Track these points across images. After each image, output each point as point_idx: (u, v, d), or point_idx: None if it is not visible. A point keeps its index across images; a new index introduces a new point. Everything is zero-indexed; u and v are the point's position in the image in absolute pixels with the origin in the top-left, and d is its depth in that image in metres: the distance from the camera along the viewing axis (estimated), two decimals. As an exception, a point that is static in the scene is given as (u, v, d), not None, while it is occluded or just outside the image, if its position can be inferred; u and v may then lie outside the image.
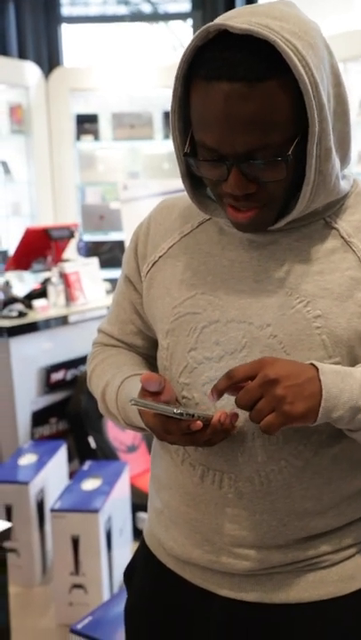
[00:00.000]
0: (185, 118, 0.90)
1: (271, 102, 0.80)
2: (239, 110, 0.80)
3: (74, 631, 1.78)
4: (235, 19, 0.81)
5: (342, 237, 0.94)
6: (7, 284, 3.33)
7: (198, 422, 0.84)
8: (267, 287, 0.94)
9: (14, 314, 3.13)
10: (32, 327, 3.17)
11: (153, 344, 1.12)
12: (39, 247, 3.72)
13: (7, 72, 5.22)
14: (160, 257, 1.06)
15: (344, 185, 0.94)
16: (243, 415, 0.90)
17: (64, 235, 3.85)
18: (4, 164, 5.23)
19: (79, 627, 1.79)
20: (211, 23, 0.82)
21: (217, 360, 0.95)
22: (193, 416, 0.84)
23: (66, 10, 6.20)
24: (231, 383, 0.84)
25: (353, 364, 0.91)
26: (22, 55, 5.71)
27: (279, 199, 0.89)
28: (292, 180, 0.88)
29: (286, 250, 0.95)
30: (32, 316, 3.21)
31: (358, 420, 0.85)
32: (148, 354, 1.15)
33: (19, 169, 5.38)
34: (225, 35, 0.81)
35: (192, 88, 0.85)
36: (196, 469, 0.98)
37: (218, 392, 0.85)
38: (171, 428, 0.87)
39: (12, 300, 3.23)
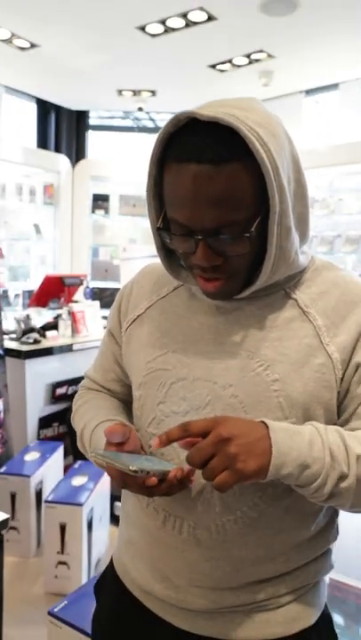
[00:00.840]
0: (159, 197, 0.77)
1: (235, 182, 0.68)
2: (206, 189, 0.68)
3: (50, 613, 1.57)
4: (204, 109, 0.70)
5: (300, 307, 0.79)
6: (27, 317, 3.28)
7: (153, 479, 0.68)
8: (230, 349, 0.78)
9: (30, 340, 3.07)
10: (44, 352, 3.07)
11: (131, 391, 0.94)
12: (55, 290, 3.70)
13: (45, 161, 5.32)
14: (138, 315, 0.90)
15: (303, 260, 0.80)
16: None
17: (75, 282, 3.82)
18: (37, 227, 5.24)
19: (55, 610, 1.58)
20: (181, 112, 0.70)
21: (183, 414, 0.78)
22: (148, 473, 0.67)
23: (93, 120, 6.28)
24: (185, 435, 0.68)
25: None
26: (57, 149, 5.83)
27: (243, 271, 0.75)
28: (255, 255, 0.74)
29: (249, 316, 0.79)
30: (44, 343, 3.12)
31: (305, 476, 0.68)
32: (127, 399, 0.97)
33: (47, 231, 5.39)
34: (194, 122, 0.69)
35: (165, 170, 0.73)
36: (159, 514, 0.81)
37: (168, 440, 0.69)
38: (128, 481, 0.71)
39: (30, 330, 3.16)
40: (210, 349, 0.79)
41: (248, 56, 4.21)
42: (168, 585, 0.82)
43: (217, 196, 0.68)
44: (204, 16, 3.52)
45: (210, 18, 3.55)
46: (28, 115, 5.73)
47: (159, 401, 0.81)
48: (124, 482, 0.71)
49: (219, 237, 0.71)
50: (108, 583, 0.95)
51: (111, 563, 0.97)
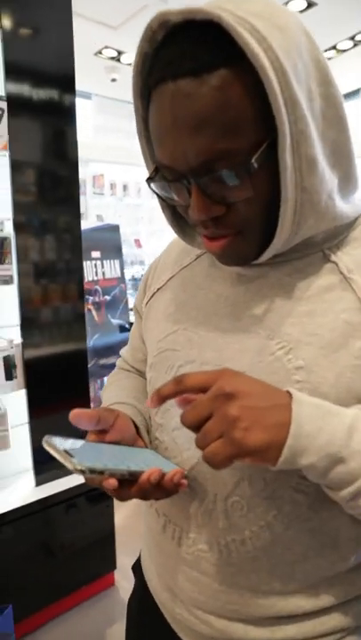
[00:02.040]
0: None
1: (224, 97, 0.41)
2: (186, 110, 0.42)
3: None
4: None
5: (341, 273, 0.50)
6: (152, 297, 3.27)
7: (111, 481, 0.45)
8: (248, 327, 0.52)
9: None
10: None
11: None
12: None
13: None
14: (159, 289, 0.67)
15: (346, 210, 0.49)
16: (205, 472, 0.52)
17: None
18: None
19: None
20: (151, 18, 0.44)
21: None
22: (102, 473, 0.44)
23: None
24: (178, 390, 0.45)
25: None
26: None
27: (256, 224, 0.48)
28: (269, 201, 0.46)
29: (275, 285, 0.52)
30: None
31: (337, 474, 0.42)
32: None
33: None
34: (173, 33, 0.44)
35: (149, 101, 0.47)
36: (159, 517, 0.60)
37: (160, 398, 0.46)
38: (87, 479, 0.47)
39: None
40: (224, 326, 0.55)
41: (352, 38, 3.64)
42: (172, 597, 0.60)
43: (200, 117, 0.42)
44: (304, 3, 3.09)
45: (310, 4, 3.10)
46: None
47: None
48: (85, 478, 0.48)
49: (213, 177, 0.44)
50: (138, 572, 0.73)
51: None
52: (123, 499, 0.48)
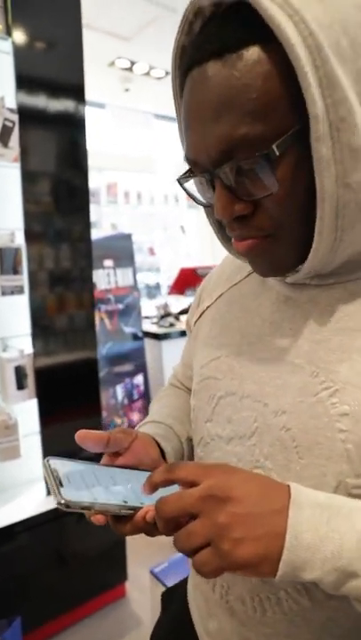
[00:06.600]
0: None
1: (247, 77, 0.36)
2: (207, 95, 0.38)
3: (151, 572, 1.43)
4: None
5: None
6: (166, 304, 3.23)
7: (98, 517, 0.41)
8: (293, 359, 0.45)
9: (167, 324, 3.02)
10: (178, 334, 3.00)
11: None
12: (191, 280, 3.62)
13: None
14: (208, 307, 0.60)
15: None
16: None
17: (206, 272, 3.61)
18: (182, 227, 5.27)
19: (156, 570, 1.42)
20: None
21: (226, 441, 0.50)
22: (89, 509, 0.39)
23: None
24: (167, 480, 0.40)
25: None
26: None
27: (288, 228, 0.41)
28: (308, 204, 0.39)
29: (325, 313, 0.45)
30: (179, 326, 3.04)
31: (354, 589, 0.34)
32: None
33: (191, 230, 5.40)
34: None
35: None
36: None
37: (151, 486, 0.40)
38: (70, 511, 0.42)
39: (167, 315, 3.13)
40: (267, 356, 0.48)
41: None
42: (212, 636, 0.55)
43: (220, 100, 0.37)
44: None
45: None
46: (174, 134, 5.78)
47: (207, 418, 0.53)
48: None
49: (232, 167, 0.39)
50: (179, 595, 0.67)
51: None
52: (120, 534, 0.42)
